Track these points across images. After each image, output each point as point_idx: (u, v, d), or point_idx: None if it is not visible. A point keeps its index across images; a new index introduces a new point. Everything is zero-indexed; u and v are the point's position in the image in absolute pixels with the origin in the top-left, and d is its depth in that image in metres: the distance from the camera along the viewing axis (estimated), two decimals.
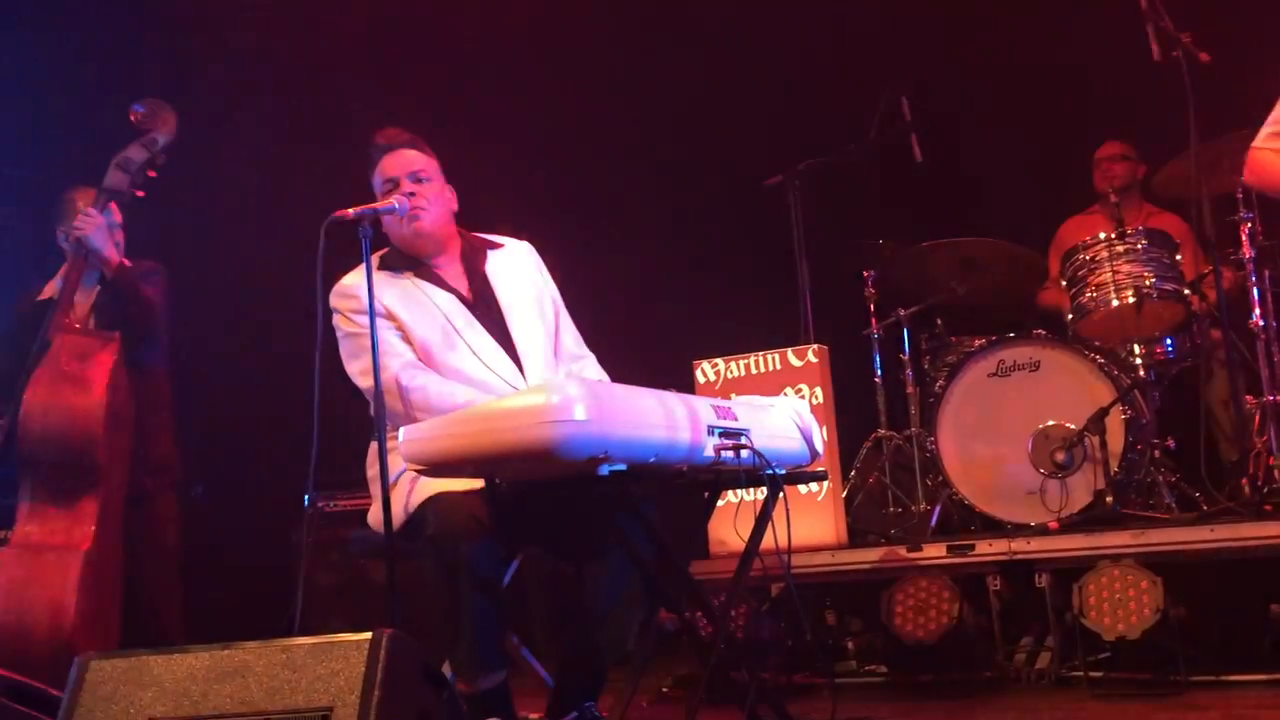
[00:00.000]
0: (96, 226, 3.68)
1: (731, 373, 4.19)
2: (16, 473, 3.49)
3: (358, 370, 3.00)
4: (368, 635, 2.08)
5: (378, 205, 2.97)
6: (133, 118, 3.80)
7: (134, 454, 3.68)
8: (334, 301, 3.05)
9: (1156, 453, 4.06)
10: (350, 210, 2.85)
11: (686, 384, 4.20)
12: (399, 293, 3.06)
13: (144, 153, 3.78)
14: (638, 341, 5.00)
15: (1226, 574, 3.61)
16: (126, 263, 3.85)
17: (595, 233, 5.59)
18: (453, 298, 3.08)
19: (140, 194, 3.82)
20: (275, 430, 5.30)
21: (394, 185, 3.08)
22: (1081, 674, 3.38)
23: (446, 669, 2.75)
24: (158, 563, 3.80)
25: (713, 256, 5.68)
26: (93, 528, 3.43)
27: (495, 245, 3.25)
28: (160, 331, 3.86)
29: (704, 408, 2.58)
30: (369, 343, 2.78)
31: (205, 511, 4.40)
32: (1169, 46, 3.95)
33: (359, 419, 2.99)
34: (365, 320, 2.82)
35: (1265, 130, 3.55)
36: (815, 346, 4.15)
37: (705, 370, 4.23)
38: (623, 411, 2.36)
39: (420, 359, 3.00)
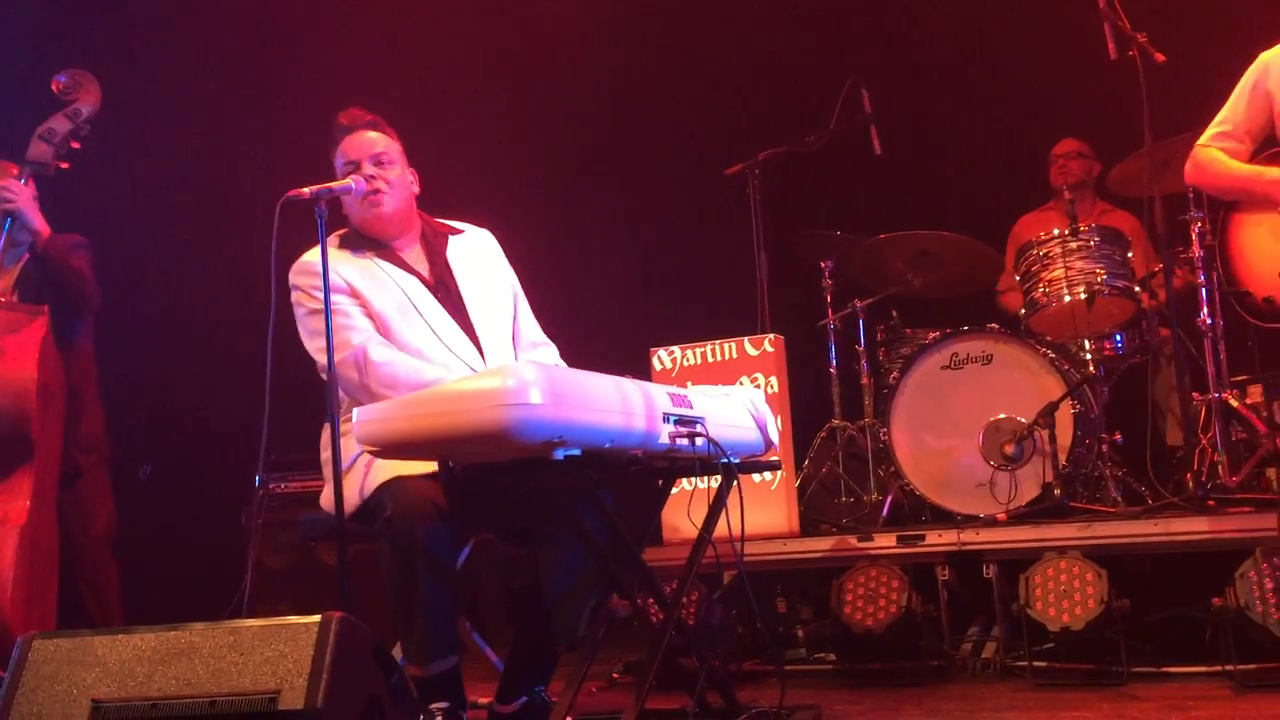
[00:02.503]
0: (24, 199, 3.61)
1: (688, 360, 4.20)
2: None
3: (317, 348, 2.96)
4: (317, 618, 2.06)
5: (333, 185, 2.94)
6: (55, 88, 3.73)
7: (65, 431, 3.62)
8: (294, 279, 3.02)
9: (1104, 447, 4.12)
10: (306, 189, 2.82)
11: (643, 371, 4.21)
12: (358, 269, 3.03)
13: (68, 124, 3.71)
14: (595, 328, 5.00)
15: (1170, 567, 3.68)
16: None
17: (554, 219, 5.58)
18: (413, 278, 3.06)
19: (65, 165, 3.75)
20: (227, 411, 5.26)
21: (355, 167, 3.05)
22: (1026, 664, 3.42)
23: (397, 653, 2.74)
24: (92, 540, 3.75)
25: (671, 244, 5.69)
26: (28, 503, 3.38)
27: (456, 231, 3.23)
28: (92, 304, 3.80)
29: (660, 395, 2.58)
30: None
31: (154, 492, 4.35)
32: (1125, 46, 3.99)
33: (313, 400, 2.96)
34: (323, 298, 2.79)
35: (1211, 129, 3.61)
36: (772, 336, 4.16)
37: (662, 358, 4.24)
38: (579, 396, 2.36)
39: (379, 334, 2.97)
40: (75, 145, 3.74)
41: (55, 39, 5.33)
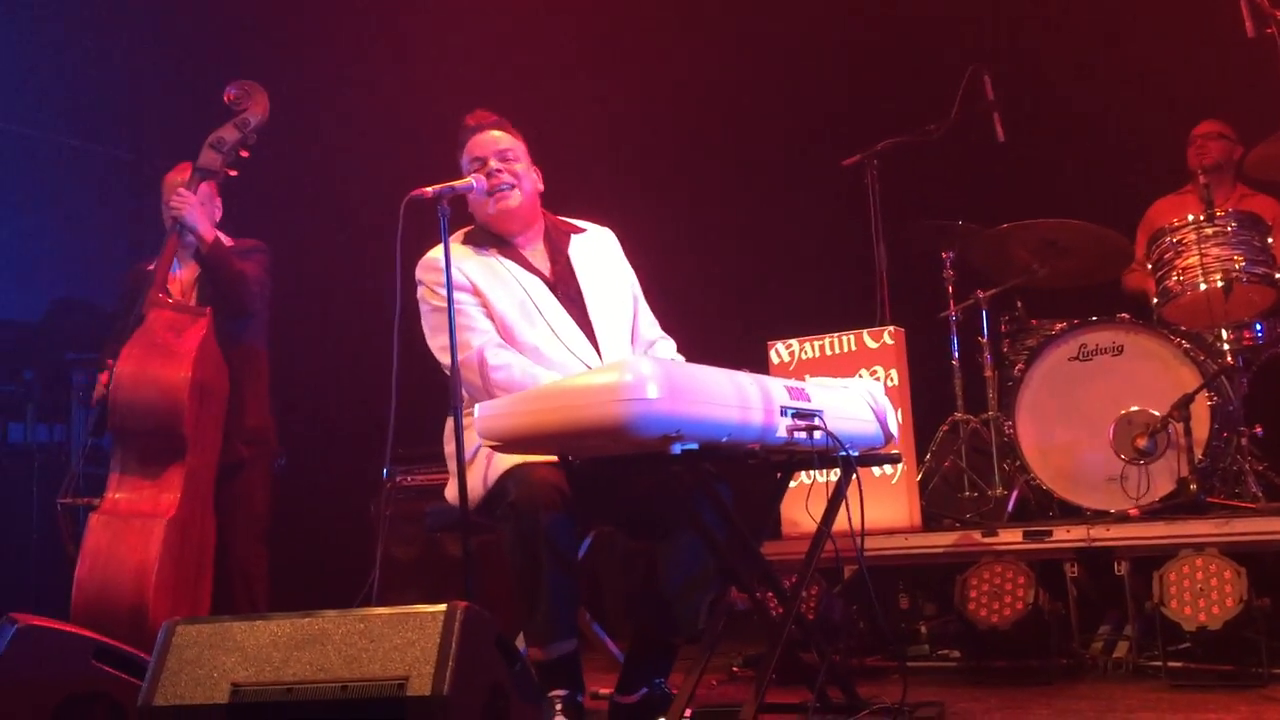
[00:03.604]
0: (191, 205, 3.77)
1: (806, 354, 4.17)
2: (110, 442, 3.61)
3: (439, 346, 3.04)
4: (443, 607, 2.12)
5: (455, 183, 3.00)
6: (226, 98, 3.90)
7: (230, 425, 3.77)
8: (421, 274, 3.10)
9: (1243, 440, 3.96)
10: (429, 189, 2.89)
11: (761, 365, 4.20)
12: (482, 267, 3.09)
13: (236, 133, 3.87)
14: (713, 322, 5.01)
15: None
16: (228, 240, 3.96)
17: (673, 212, 5.59)
18: (535, 278, 3.11)
19: (233, 173, 3.93)
20: (356, 404, 5.41)
21: (480, 165, 3.12)
22: (1160, 664, 3.32)
23: (520, 643, 2.79)
24: (247, 532, 3.89)
25: (789, 237, 5.65)
26: (177, 496, 3.53)
27: (579, 230, 3.27)
28: (256, 307, 3.95)
29: (777, 388, 2.58)
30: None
31: (286, 484, 4.50)
32: (1264, 23, 3.82)
33: (439, 394, 3.03)
34: (447, 295, 2.86)
35: None
36: (891, 328, 4.11)
37: (780, 351, 4.22)
38: (695, 391, 2.37)
39: (500, 334, 3.03)
40: (244, 154, 3.91)
41: (223, 51, 5.55)
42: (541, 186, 3.23)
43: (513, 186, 3.11)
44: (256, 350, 4.02)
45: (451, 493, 3.00)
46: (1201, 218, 4.09)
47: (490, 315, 3.04)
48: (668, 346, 3.29)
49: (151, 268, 3.84)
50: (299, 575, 4.70)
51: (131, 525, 3.47)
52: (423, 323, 3.10)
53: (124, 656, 2.58)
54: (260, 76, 4.00)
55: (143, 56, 5.66)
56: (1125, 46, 5.24)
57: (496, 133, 3.17)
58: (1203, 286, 4.04)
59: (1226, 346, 4.22)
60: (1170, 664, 3.31)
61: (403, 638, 2.10)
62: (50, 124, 5.37)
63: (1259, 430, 4.02)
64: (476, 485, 2.89)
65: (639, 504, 2.96)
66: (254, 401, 3.96)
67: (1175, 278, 4.12)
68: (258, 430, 3.97)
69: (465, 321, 3.00)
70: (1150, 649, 3.41)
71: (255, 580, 3.90)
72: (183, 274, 3.94)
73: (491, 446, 2.57)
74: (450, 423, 2.96)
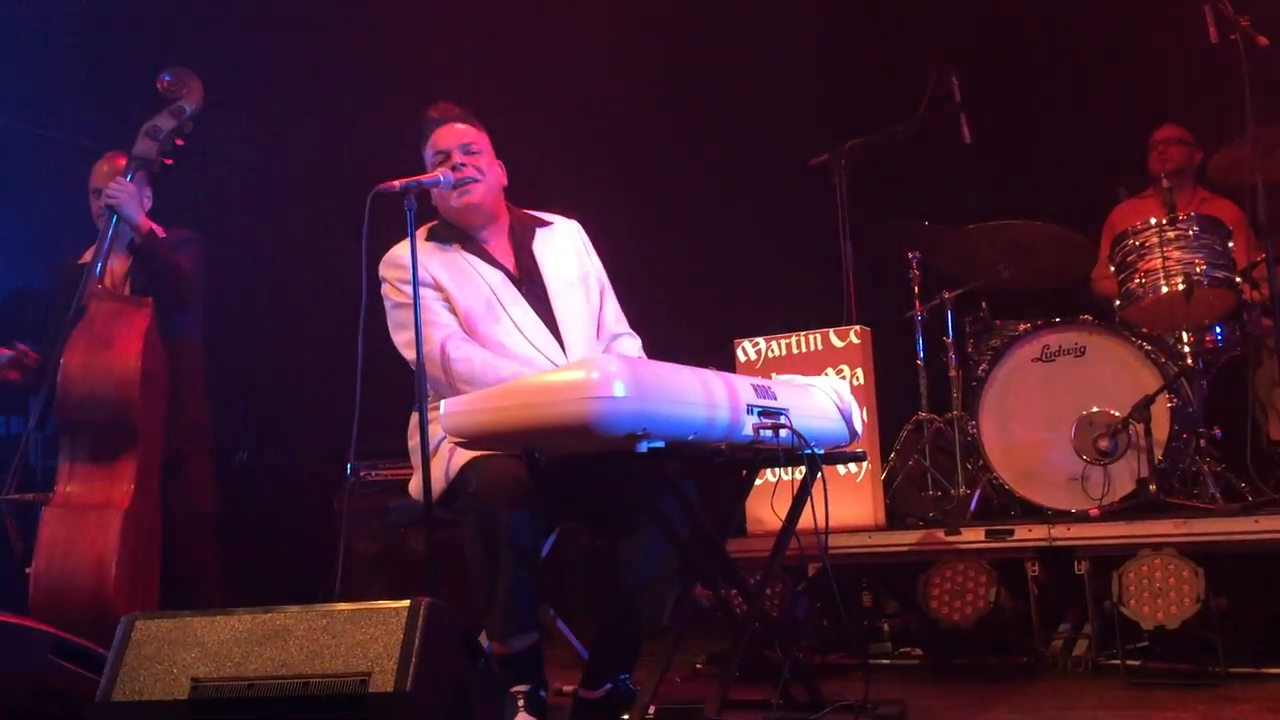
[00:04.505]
0: (128, 195, 3.73)
1: (772, 352, 4.18)
2: (57, 434, 3.56)
3: (403, 341, 3.03)
4: (406, 603, 2.11)
5: (423, 177, 2.98)
6: (160, 86, 3.84)
7: (168, 418, 3.73)
8: (384, 271, 3.08)
9: (1202, 441, 4.02)
10: (396, 182, 2.87)
11: (727, 363, 4.20)
12: (445, 263, 3.08)
13: (172, 121, 3.82)
14: (680, 320, 5.00)
15: (1269, 565, 3.57)
16: (160, 230, 3.91)
17: (640, 210, 5.59)
18: (499, 273, 3.09)
19: (169, 162, 3.87)
20: (319, 400, 5.37)
21: (444, 157, 3.10)
22: (1119, 662, 3.36)
23: (483, 639, 2.78)
24: (192, 526, 3.85)
25: (756, 236, 5.66)
26: (132, 487, 3.50)
27: (544, 223, 3.26)
28: (192, 299, 3.90)
29: (744, 386, 2.58)
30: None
31: (248, 479, 4.47)
32: (1227, 29, 3.88)
33: (402, 389, 3.02)
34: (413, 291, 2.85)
35: None
36: (857, 327, 4.13)
37: (746, 349, 4.23)
38: (662, 388, 2.37)
39: (463, 329, 3.02)
40: (179, 142, 3.85)
41: (160, 36, 5.49)
42: (505, 180, 3.22)
43: (476, 181, 3.09)
44: (192, 343, 3.97)
45: (415, 487, 2.99)
46: (1164, 221, 4.14)
47: (454, 310, 3.03)
48: (632, 344, 3.28)
49: (85, 259, 3.80)
50: (261, 570, 4.66)
51: (88, 517, 3.43)
52: (387, 319, 3.09)
53: (82, 651, 2.55)
54: (222, 61, 3.96)
55: (104, 43, 5.58)
56: (1091, 50, 5.29)
57: (461, 125, 3.15)
58: (1164, 289, 4.08)
59: (1187, 349, 4.27)
60: (1128, 662, 3.35)
61: (365, 633, 2.09)
62: (10, 111, 5.29)
63: (1218, 432, 4.08)
64: (438, 477, 2.88)
65: (605, 500, 2.96)
66: (190, 396, 3.91)
67: (1137, 280, 4.16)
68: (195, 424, 3.93)
69: (428, 317, 2.98)
70: (1109, 648, 3.45)
71: (206, 577, 3.87)
72: (115, 264, 3.87)
73: (457, 443, 2.56)
74: (415, 417, 2.95)
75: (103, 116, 5.28)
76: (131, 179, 3.77)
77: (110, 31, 5.60)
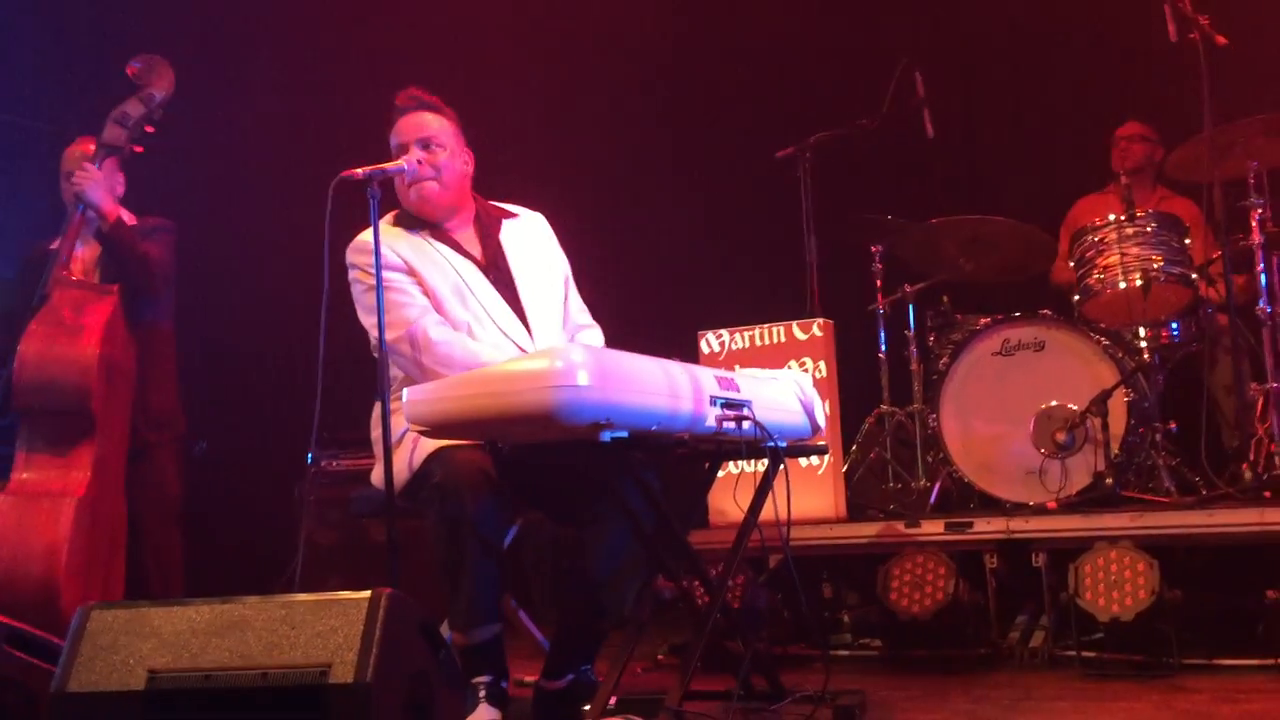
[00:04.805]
0: (94, 181, 3.68)
1: (736, 344, 4.19)
2: (14, 422, 3.51)
3: (372, 324, 2.99)
4: (367, 594, 2.09)
5: (387, 166, 2.96)
6: (129, 72, 3.78)
7: (135, 407, 3.69)
8: (351, 257, 3.05)
9: (1158, 436, 4.06)
10: (359, 170, 2.85)
11: (691, 354, 4.21)
12: (414, 247, 3.05)
13: (141, 108, 3.77)
14: (643, 311, 5.01)
15: (1223, 559, 3.63)
16: (132, 218, 3.86)
17: (603, 201, 5.58)
18: (467, 260, 3.08)
19: (138, 149, 3.82)
20: (280, 389, 5.33)
21: (403, 150, 3.07)
22: (1074, 654, 3.40)
23: (444, 630, 2.77)
24: (159, 515, 3.82)
25: (721, 228, 5.67)
26: (88, 475, 3.45)
27: (510, 215, 3.24)
28: (158, 287, 3.85)
29: (707, 378, 2.59)
30: (387, 298, 2.80)
31: (208, 468, 4.42)
32: (1186, 28, 3.92)
33: (366, 379, 3.00)
34: (384, 276, 2.83)
35: None
36: (820, 320, 4.15)
37: (710, 341, 4.23)
38: (625, 378, 2.37)
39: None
40: (149, 129, 3.81)
41: (128, 22, 5.41)
42: (471, 170, 3.19)
43: (430, 179, 3.06)
44: (162, 331, 3.93)
45: (377, 477, 2.97)
46: (1123, 218, 4.18)
47: (425, 293, 3.01)
48: (594, 335, 3.28)
49: (54, 246, 3.75)
50: (220, 560, 4.63)
51: (40, 505, 3.38)
52: (356, 305, 3.06)
53: (36, 642, 2.52)
54: (188, 46, 3.91)
55: (63, 24, 5.50)
56: (1053, 47, 5.33)
57: (426, 115, 3.12)
58: (1122, 285, 4.13)
59: (1144, 344, 4.32)
60: (1084, 654, 3.39)
61: (325, 624, 2.08)
62: None
63: (1173, 426, 4.12)
64: (402, 468, 2.86)
65: (567, 490, 2.95)
66: (159, 383, 3.88)
67: (1096, 276, 4.20)
68: (164, 413, 3.89)
69: (401, 299, 2.96)
70: (1065, 639, 3.48)
71: (170, 566, 3.83)
72: (84, 252, 3.83)
73: (419, 431, 2.55)
74: (377, 406, 2.93)
75: (69, 101, 5.21)
76: (100, 166, 3.72)
77: (78, 14, 5.53)
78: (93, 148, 3.77)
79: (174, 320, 3.99)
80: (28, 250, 3.97)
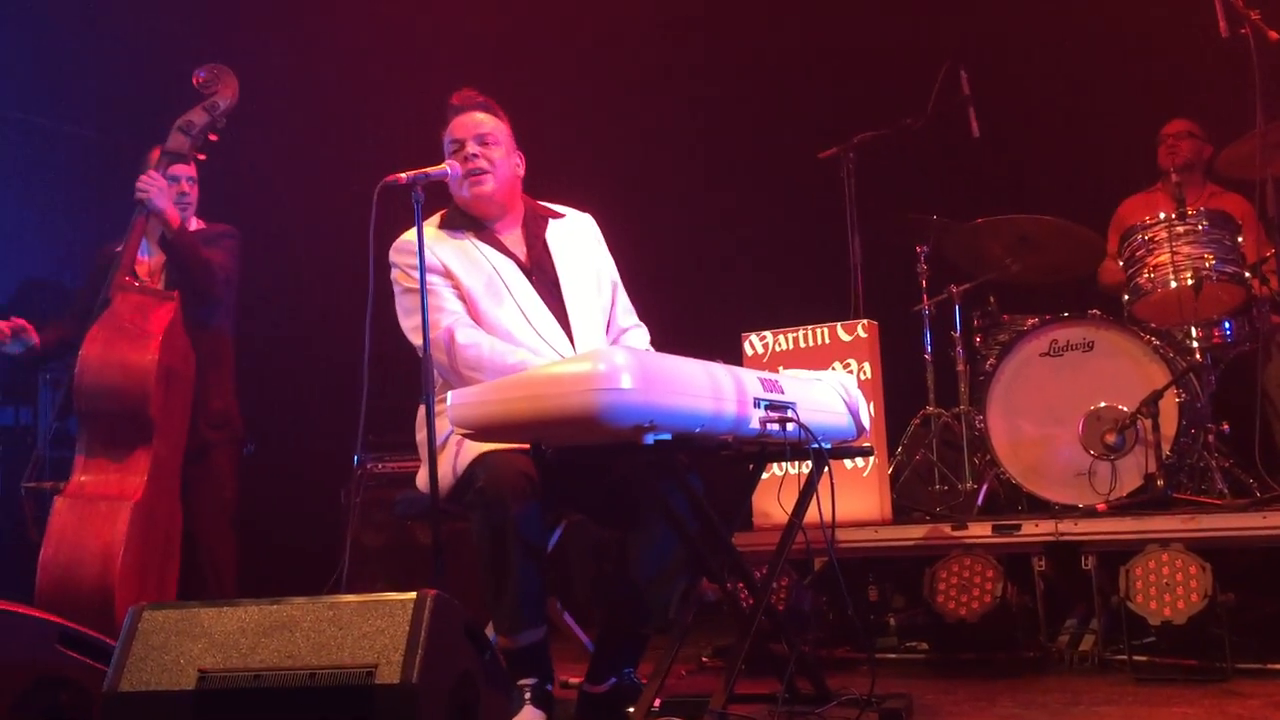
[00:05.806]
0: (158, 188, 3.74)
1: (780, 346, 4.18)
2: (75, 426, 3.58)
3: (412, 326, 3.03)
4: (412, 595, 2.11)
5: (430, 170, 2.98)
6: (195, 82, 3.86)
7: (194, 409, 3.75)
8: (393, 257, 3.08)
9: (1210, 437, 4.00)
10: (403, 175, 2.87)
11: (734, 356, 4.20)
12: (455, 249, 3.08)
13: (205, 116, 3.84)
14: (687, 312, 5.00)
15: (1277, 561, 3.56)
16: (200, 223, 3.93)
17: (649, 203, 5.59)
18: (509, 262, 3.09)
19: (201, 157, 3.89)
20: (326, 392, 5.38)
21: (459, 146, 3.10)
22: (1125, 658, 3.35)
23: (489, 631, 2.78)
24: (214, 516, 3.87)
25: (765, 229, 5.66)
26: (144, 479, 3.50)
27: (557, 215, 3.26)
28: (220, 293, 3.91)
29: (751, 380, 2.58)
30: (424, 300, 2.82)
31: (256, 471, 4.47)
32: (1237, 23, 3.85)
33: (411, 382, 3.02)
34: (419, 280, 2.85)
35: None
36: (865, 321, 4.12)
37: (753, 343, 4.22)
38: (669, 381, 2.37)
39: (470, 315, 3.02)
40: (213, 137, 3.88)
41: (194, 34, 5.50)
42: (522, 171, 3.21)
43: (486, 173, 3.09)
44: (223, 335, 3.99)
45: (422, 480, 2.99)
46: (1173, 216, 4.12)
47: (461, 296, 3.03)
48: (640, 336, 3.28)
49: (119, 249, 3.81)
50: (268, 562, 4.67)
51: (97, 508, 3.43)
52: (396, 305, 3.09)
53: (90, 642, 2.55)
54: (233, 57, 3.96)
55: (110, 33, 5.59)
56: (1100, 44, 5.27)
57: (480, 115, 3.15)
58: (1173, 284, 4.07)
59: (1195, 344, 4.26)
60: (1135, 658, 3.34)
61: (372, 625, 2.09)
62: (15, 103, 5.30)
63: (1225, 427, 4.06)
64: (446, 472, 2.88)
65: (610, 493, 2.96)
66: (219, 386, 3.93)
67: (1146, 275, 4.14)
68: (222, 414, 3.94)
69: (436, 302, 2.99)
70: (1116, 643, 3.44)
71: (224, 566, 3.88)
72: (150, 259, 3.92)
73: (463, 434, 2.56)
74: (422, 410, 2.95)
75: (106, 108, 5.30)
76: (164, 173, 3.78)
77: (128, 26, 5.61)
78: (158, 152, 3.83)
79: (235, 325, 4.05)
80: (96, 253, 4.05)
